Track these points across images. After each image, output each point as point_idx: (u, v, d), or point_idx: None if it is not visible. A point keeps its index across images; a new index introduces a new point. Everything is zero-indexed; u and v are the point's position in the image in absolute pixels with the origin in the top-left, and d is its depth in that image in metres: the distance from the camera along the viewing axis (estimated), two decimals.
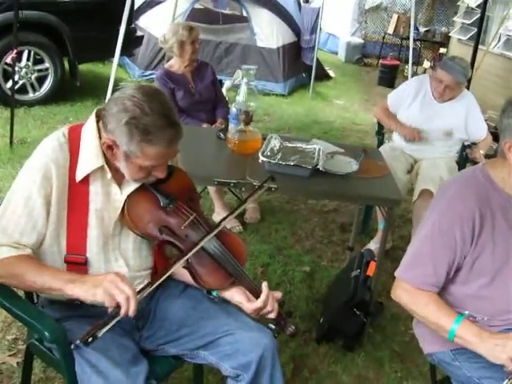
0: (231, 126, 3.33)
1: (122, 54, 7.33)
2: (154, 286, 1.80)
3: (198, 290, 2.03)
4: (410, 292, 2.02)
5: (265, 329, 1.95)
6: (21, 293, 2.06)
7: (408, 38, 8.78)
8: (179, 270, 1.98)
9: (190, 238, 1.91)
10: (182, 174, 2.03)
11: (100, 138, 1.82)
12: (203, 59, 5.63)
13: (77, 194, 1.84)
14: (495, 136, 6.54)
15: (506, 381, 1.81)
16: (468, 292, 2.04)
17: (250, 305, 1.90)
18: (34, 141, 1.80)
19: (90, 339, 1.61)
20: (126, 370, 1.75)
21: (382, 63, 10.84)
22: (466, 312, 2.05)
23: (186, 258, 1.86)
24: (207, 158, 3.20)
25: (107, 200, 1.88)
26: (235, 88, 3.47)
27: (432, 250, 1.99)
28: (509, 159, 1.91)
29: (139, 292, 1.76)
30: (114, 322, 1.66)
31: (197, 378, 2.43)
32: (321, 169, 2.93)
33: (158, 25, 7.74)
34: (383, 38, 12.37)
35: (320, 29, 9.05)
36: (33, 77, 6.48)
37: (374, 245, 4.00)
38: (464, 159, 4.14)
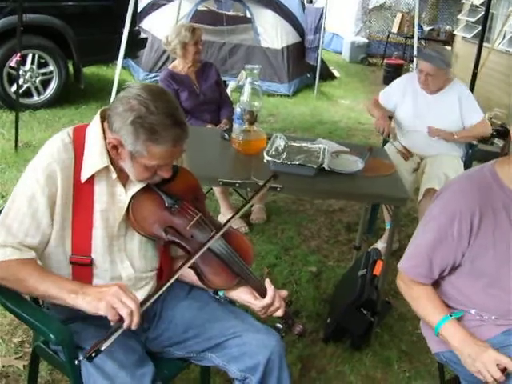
0: (236, 126, 3.32)
1: (126, 56, 7.35)
2: (161, 291, 1.78)
3: (204, 291, 2.03)
4: (405, 282, 2.08)
5: (272, 331, 1.94)
6: (26, 295, 2.05)
7: (412, 37, 8.75)
8: (185, 271, 1.97)
9: (195, 238, 1.90)
10: (187, 173, 2.02)
11: (105, 138, 1.81)
12: (207, 60, 5.65)
13: (82, 194, 1.83)
14: (500, 134, 6.54)
15: None
16: (473, 290, 2.03)
17: (258, 302, 1.89)
18: (39, 144, 1.81)
19: (94, 354, 1.60)
20: (132, 372, 1.74)
21: (386, 62, 10.83)
22: (473, 311, 2.04)
23: (192, 261, 1.85)
24: (212, 159, 3.19)
25: (112, 200, 1.87)
26: (240, 89, 3.46)
27: (428, 243, 2.01)
28: None
29: (145, 301, 1.75)
30: (116, 336, 1.65)
31: (204, 380, 2.42)
32: (326, 168, 2.91)
33: (161, 27, 7.76)
34: (387, 37, 12.36)
35: (324, 29, 9.03)
36: (37, 80, 6.49)
37: (380, 244, 3.98)
38: (470, 157, 4.11)
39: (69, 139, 1.83)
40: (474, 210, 1.91)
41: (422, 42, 11.50)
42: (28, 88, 6.46)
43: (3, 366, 2.69)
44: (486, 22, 5.70)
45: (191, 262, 1.85)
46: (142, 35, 7.65)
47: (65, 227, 1.82)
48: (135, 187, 1.88)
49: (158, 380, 1.82)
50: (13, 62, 4.65)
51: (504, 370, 1.80)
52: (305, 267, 3.80)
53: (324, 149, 3.08)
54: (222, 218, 4.27)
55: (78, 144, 1.83)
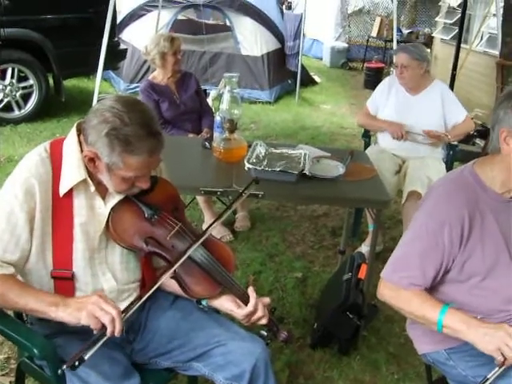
0: (216, 135, 3.32)
1: (107, 68, 7.33)
2: (142, 300, 1.78)
3: (188, 300, 2.02)
4: (393, 289, 2.00)
5: (257, 338, 1.94)
6: (10, 311, 2.04)
7: (392, 41, 8.81)
8: (168, 281, 1.96)
9: (176, 248, 1.90)
10: (165, 183, 2.02)
11: (82, 151, 1.81)
12: (188, 70, 5.63)
13: (61, 208, 1.82)
14: (481, 134, 6.59)
15: (496, 369, 1.78)
16: (460, 291, 2.02)
17: (240, 311, 1.89)
18: (21, 158, 1.79)
19: (77, 363, 1.59)
20: None
21: (367, 66, 10.90)
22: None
23: (172, 269, 1.84)
24: (193, 168, 3.19)
25: (92, 213, 1.87)
26: (221, 97, 3.47)
27: (419, 253, 1.97)
28: (503, 150, 1.88)
29: (127, 309, 1.74)
30: (100, 344, 1.64)
31: None
32: (307, 173, 2.92)
33: (141, 37, 7.71)
34: (367, 41, 12.45)
35: (303, 35, 9.08)
36: (17, 94, 6.47)
37: (365, 248, 4.00)
38: (451, 158, 4.15)
39: (46, 154, 1.82)
40: (463, 216, 1.90)
41: (401, 44, 11.57)
42: (8, 102, 6.44)
43: None
44: (462, 23, 5.77)
45: (173, 269, 1.84)
46: (122, 46, 7.66)
47: (45, 242, 1.81)
48: (114, 199, 1.87)
49: None
50: None
51: None
52: (290, 273, 3.81)
53: (305, 154, 3.09)
54: (206, 226, 4.25)
55: (56, 158, 1.82)
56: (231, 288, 1.93)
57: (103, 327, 1.64)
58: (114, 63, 7.24)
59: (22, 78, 6.48)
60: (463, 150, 5.28)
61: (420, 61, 3.89)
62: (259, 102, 8.52)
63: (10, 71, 6.31)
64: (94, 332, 1.66)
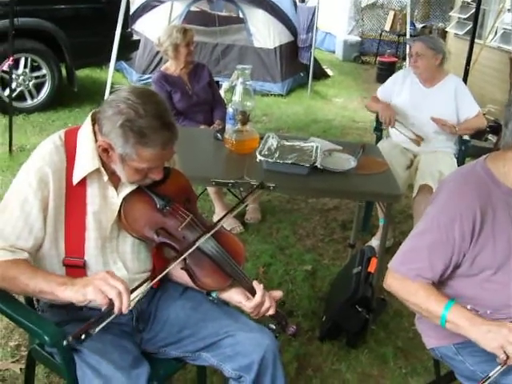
0: (228, 127, 3.33)
1: (119, 58, 7.34)
2: (152, 283, 1.80)
3: (198, 291, 2.03)
4: (400, 280, 2.00)
5: (266, 329, 1.94)
6: (21, 298, 2.06)
7: (405, 35, 8.77)
8: (178, 273, 1.98)
9: (187, 240, 1.91)
10: (178, 175, 2.03)
11: (96, 140, 1.82)
12: (200, 61, 5.61)
13: (74, 196, 1.83)
14: (494, 130, 6.55)
15: (499, 367, 1.77)
16: (469, 286, 2.02)
17: (249, 303, 1.89)
18: (33, 148, 1.81)
19: (83, 336, 1.58)
20: (127, 372, 1.74)
21: (379, 60, 10.84)
22: (468, 306, 2.03)
23: (182, 257, 1.85)
24: (205, 159, 3.20)
25: (104, 203, 1.88)
26: (233, 89, 3.48)
27: (429, 246, 1.96)
28: None
29: (135, 289, 1.75)
30: (108, 320, 1.64)
31: (200, 380, 2.42)
32: (319, 166, 2.92)
33: (154, 28, 7.74)
34: (380, 35, 12.37)
35: (316, 28, 9.04)
36: (30, 84, 6.49)
37: (375, 241, 3.99)
38: (463, 154, 4.13)
39: (60, 142, 1.84)
40: (475, 210, 1.89)
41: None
42: (21, 92, 6.47)
43: (0, 370, 2.70)
44: (477, 18, 5.73)
45: (183, 257, 1.85)
46: (135, 37, 7.66)
47: (58, 229, 1.83)
48: (127, 189, 1.88)
49: (154, 380, 1.82)
50: (5, 66, 4.64)
51: None
52: (300, 266, 3.81)
53: (316, 147, 3.09)
54: (217, 218, 4.26)
55: (70, 147, 1.83)
56: (241, 281, 1.93)
57: (111, 304, 1.64)
58: (126, 54, 7.25)
59: (35, 68, 6.50)
60: (475, 145, 5.25)
61: (435, 51, 3.89)
62: (271, 95, 8.50)
63: (23, 61, 6.33)
64: (103, 309, 1.66)
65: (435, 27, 12.08)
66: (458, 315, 1.86)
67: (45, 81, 6.59)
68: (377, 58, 11.58)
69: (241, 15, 8.67)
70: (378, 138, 4.40)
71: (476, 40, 5.72)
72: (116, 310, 1.64)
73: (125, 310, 1.64)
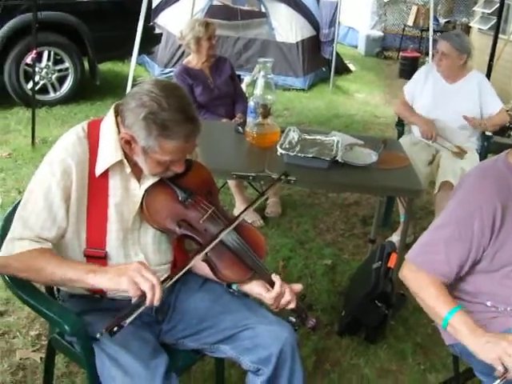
0: (249, 120, 3.32)
1: (141, 52, 7.36)
2: (175, 278, 1.79)
3: (218, 283, 2.03)
4: (414, 272, 1.99)
5: (285, 322, 1.94)
6: (42, 288, 2.08)
7: (428, 30, 8.68)
8: (198, 264, 1.98)
9: (208, 232, 1.91)
10: (200, 167, 2.03)
11: (119, 132, 1.82)
12: (222, 55, 5.59)
13: (96, 188, 1.84)
14: None
15: (498, 381, 1.74)
16: (489, 282, 2.00)
17: (269, 294, 1.89)
18: (56, 140, 1.83)
19: (116, 329, 1.60)
20: (146, 362, 1.75)
21: (402, 55, 10.75)
22: (488, 303, 2.02)
23: (205, 250, 1.85)
24: (226, 152, 3.20)
25: (126, 194, 1.89)
26: (254, 83, 3.48)
27: (446, 240, 1.95)
28: None
29: (163, 281, 1.76)
30: (139, 312, 1.65)
31: (218, 372, 2.43)
32: (340, 160, 2.91)
33: (176, 22, 7.75)
34: (403, 30, 12.25)
35: (339, 22, 8.98)
36: (53, 77, 6.55)
37: (396, 237, 3.97)
38: (485, 150, 4.08)
39: (83, 133, 1.85)
40: (495, 205, 1.87)
41: (438, 34, 11.39)
42: (44, 85, 6.53)
43: (20, 359, 2.73)
44: (501, 13, 5.65)
45: (206, 251, 1.85)
46: (157, 31, 7.68)
47: (80, 221, 1.84)
48: (149, 181, 1.89)
49: (172, 371, 1.82)
50: (28, 59, 4.68)
51: None
52: (320, 260, 3.80)
53: (337, 141, 3.08)
54: (237, 211, 4.27)
55: (93, 138, 1.85)
56: (261, 273, 1.93)
57: (142, 295, 1.65)
58: (148, 47, 7.27)
59: (58, 61, 6.55)
60: (497, 141, 5.18)
61: (461, 52, 3.86)
62: (293, 89, 8.47)
63: (46, 54, 6.39)
64: (133, 300, 1.68)
65: (459, 22, 11.93)
66: (461, 321, 1.84)
67: (67, 74, 6.64)
68: (399, 53, 11.49)
69: (263, 9, 8.64)
70: (400, 134, 4.37)
71: (500, 35, 5.65)
72: (148, 302, 1.65)
73: (156, 303, 1.66)
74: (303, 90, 8.53)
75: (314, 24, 8.88)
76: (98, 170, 1.83)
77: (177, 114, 1.69)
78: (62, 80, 6.65)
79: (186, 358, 2.03)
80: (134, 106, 1.72)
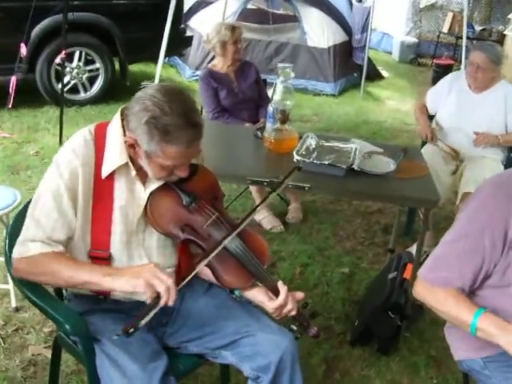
0: (268, 125, 3.32)
1: (172, 54, 7.43)
2: (181, 286, 1.80)
3: (222, 288, 2.03)
4: (428, 288, 1.95)
5: (286, 331, 1.93)
6: (50, 288, 2.10)
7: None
8: (204, 269, 1.98)
9: (212, 238, 1.91)
10: (206, 172, 2.03)
11: (125, 135, 1.84)
12: (253, 59, 5.59)
13: (102, 190, 1.86)
14: None
15: None
16: (500, 298, 1.94)
17: (271, 303, 1.88)
18: None
19: (132, 330, 1.64)
20: (144, 365, 1.77)
21: (435, 63, 10.60)
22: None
23: (209, 258, 1.86)
24: (243, 157, 3.21)
25: (131, 197, 1.90)
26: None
27: (459, 254, 1.90)
28: None
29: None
30: (154, 312, 1.68)
31: (223, 378, 2.43)
32: (356, 168, 2.88)
33: (208, 25, 7.77)
34: (438, 37, 12.10)
35: (371, 28, 8.90)
36: (84, 77, 6.64)
37: (416, 247, 3.91)
38: (511, 161, 4.00)
39: (90, 136, 1.87)
40: (507, 219, 1.82)
41: (474, 42, 11.22)
42: (75, 84, 6.62)
43: (33, 355, 2.77)
44: None
45: (209, 258, 1.85)
46: (188, 33, 7.72)
47: (85, 222, 1.86)
48: (154, 185, 1.90)
49: (171, 374, 1.83)
50: (58, 59, 4.76)
51: None
52: (337, 268, 3.77)
53: (356, 149, 3.05)
54: (258, 217, 4.28)
55: (99, 141, 1.86)
56: (264, 281, 1.92)
57: (157, 297, 1.68)
58: (178, 50, 7.34)
59: (89, 62, 6.65)
60: None
61: (496, 64, 3.83)
62: (323, 94, 8.43)
63: (77, 54, 6.48)
64: (148, 301, 1.71)
65: (495, 30, 11.71)
66: (489, 322, 1.79)
67: (98, 74, 6.72)
68: (433, 60, 11.35)
69: (295, 14, 8.62)
70: (424, 142, 4.32)
71: None
72: (162, 303, 1.68)
73: (171, 303, 1.69)
74: (333, 95, 8.47)
75: (347, 29, 8.82)
76: (104, 173, 1.85)
77: (179, 119, 1.70)
78: (92, 80, 6.74)
79: (188, 363, 2.03)
80: (138, 110, 1.73)
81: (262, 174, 2.88)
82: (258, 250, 1.96)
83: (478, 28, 11.89)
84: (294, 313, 1.89)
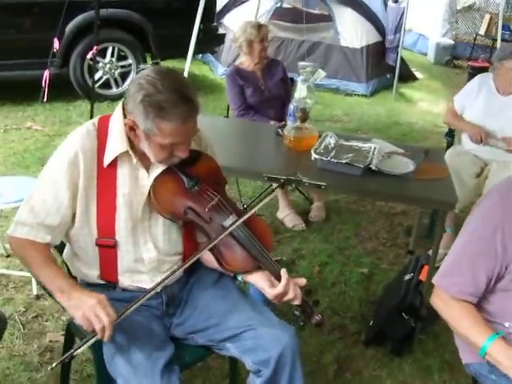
0: (289, 123, 3.33)
1: (204, 51, 7.47)
2: (184, 267, 1.91)
3: (230, 281, 2.09)
4: (445, 301, 1.94)
5: (287, 326, 1.96)
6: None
7: (501, 40, 8.39)
8: (207, 256, 2.01)
9: (214, 221, 1.95)
10: (208, 158, 2.08)
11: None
12: (285, 57, 5.56)
13: (105, 178, 1.91)
14: None
15: None
16: (510, 302, 1.94)
17: (271, 291, 1.90)
18: None
19: (68, 360, 1.75)
20: (149, 353, 1.81)
21: (470, 65, 10.42)
22: (507, 324, 1.95)
23: (214, 242, 1.90)
24: (263, 154, 3.23)
25: (135, 184, 1.94)
26: (316, 87, 3.45)
27: (470, 258, 1.89)
28: None
29: (164, 279, 1.84)
30: (90, 343, 1.74)
31: (232, 369, 2.45)
32: (373, 168, 2.87)
33: (240, 23, 7.83)
34: (474, 39, 11.92)
35: (404, 29, 8.81)
36: (116, 72, 6.74)
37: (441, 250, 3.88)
38: None
39: (93, 127, 1.93)
40: None
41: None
42: (107, 80, 6.73)
43: (50, 341, 2.85)
44: None
45: (213, 243, 1.90)
46: (221, 31, 7.76)
47: (89, 210, 1.91)
48: (157, 169, 1.94)
49: (176, 364, 1.87)
50: (89, 55, 4.84)
51: None
52: (356, 268, 3.77)
53: (374, 148, 3.04)
54: (280, 214, 4.30)
55: (102, 132, 1.92)
56: (267, 265, 1.94)
57: (94, 331, 1.72)
58: (211, 47, 7.41)
59: (122, 57, 6.75)
60: None
61: None
62: (355, 95, 8.39)
63: (110, 50, 6.58)
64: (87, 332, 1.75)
65: None
66: (500, 350, 1.80)
67: (130, 70, 6.81)
68: (469, 62, 11.18)
69: (329, 13, 8.59)
70: (449, 144, 4.29)
71: None
72: (98, 337, 1.72)
73: (105, 340, 1.73)
74: (365, 95, 8.42)
75: (380, 29, 8.76)
76: (106, 161, 1.90)
77: (171, 95, 1.73)
78: (124, 76, 6.83)
79: (193, 353, 2.07)
80: (134, 91, 1.78)
81: (279, 171, 2.88)
82: (260, 234, 1.99)
83: None
84: (297, 302, 1.91)
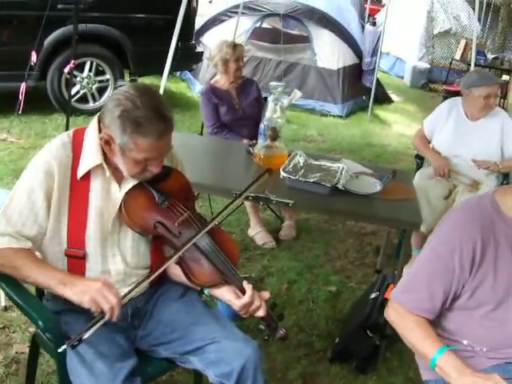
0: (259, 142, 3.39)
1: (182, 68, 7.52)
2: (150, 279, 1.92)
3: (196, 295, 2.12)
4: (400, 313, 1.99)
5: (250, 340, 1.99)
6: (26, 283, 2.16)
7: (476, 65, 8.56)
8: (175, 269, 2.06)
9: (183, 235, 1.99)
10: (179, 174, 2.13)
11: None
12: (263, 77, 5.60)
13: (78, 190, 1.95)
14: None
15: None
16: (467, 321, 1.99)
17: (238, 301, 1.94)
18: None
19: (76, 343, 1.73)
20: (111, 363, 1.83)
21: (445, 89, 10.64)
22: (465, 341, 2.01)
23: (179, 253, 1.94)
24: (234, 172, 3.28)
25: (107, 197, 1.98)
26: (292, 107, 3.53)
27: (428, 276, 1.95)
28: None
29: (129, 291, 1.86)
30: (98, 326, 1.77)
31: (197, 383, 2.47)
32: (340, 187, 2.94)
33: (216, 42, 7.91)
34: (450, 63, 12.15)
35: (381, 51, 8.97)
36: (94, 87, 6.75)
37: (406, 269, 3.94)
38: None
39: (68, 139, 1.97)
40: (475, 241, 1.87)
41: (486, 70, 11.25)
42: (84, 94, 6.73)
43: (16, 352, 2.85)
44: None
45: (178, 254, 1.94)
46: (200, 49, 7.84)
47: (60, 221, 1.94)
48: (129, 184, 1.99)
49: (138, 376, 1.89)
50: (67, 69, 4.87)
51: None
52: (324, 286, 3.81)
53: (342, 168, 3.11)
54: (252, 231, 4.34)
55: (77, 143, 1.96)
56: (232, 279, 1.99)
57: (102, 312, 1.76)
58: (189, 64, 7.44)
59: (100, 72, 6.77)
60: None
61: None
62: (330, 116, 8.50)
63: (88, 64, 6.60)
64: (95, 314, 1.79)
65: (507, 59, 11.72)
66: (449, 363, 1.83)
67: (108, 85, 6.83)
68: (444, 86, 11.39)
69: (307, 35, 8.71)
70: (419, 166, 4.37)
71: None
72: (106, 318, 1.77)
73: (114, 320, 1.78)
74: (341, 116, 8.54)
75: (358, 52, 8.90)
76: (80, 173, 1.94)
77: (149, 112, 1.79)
78: (101, 91, 6.85)
79: (156, 366, 2.09)
80: (112, 106, 1.83)
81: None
82: (227, 248, 2.04)
83: (490, 56, 11.92)
84: (262, 313, 1.95)
